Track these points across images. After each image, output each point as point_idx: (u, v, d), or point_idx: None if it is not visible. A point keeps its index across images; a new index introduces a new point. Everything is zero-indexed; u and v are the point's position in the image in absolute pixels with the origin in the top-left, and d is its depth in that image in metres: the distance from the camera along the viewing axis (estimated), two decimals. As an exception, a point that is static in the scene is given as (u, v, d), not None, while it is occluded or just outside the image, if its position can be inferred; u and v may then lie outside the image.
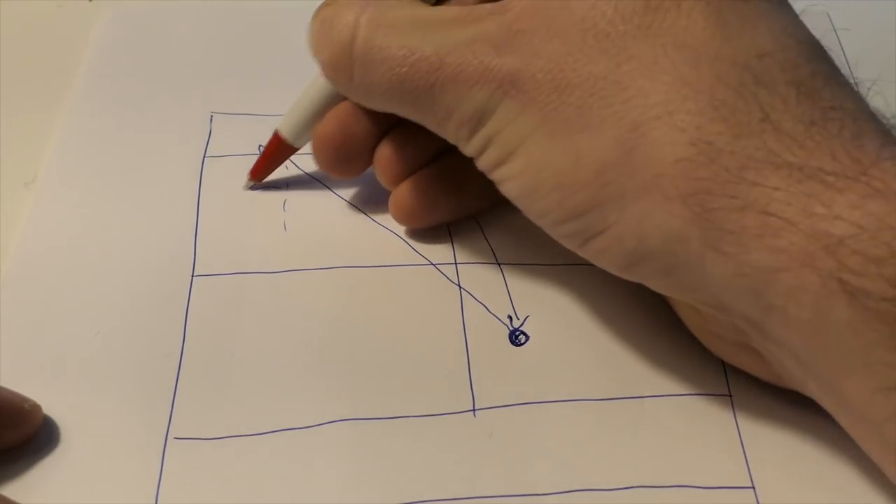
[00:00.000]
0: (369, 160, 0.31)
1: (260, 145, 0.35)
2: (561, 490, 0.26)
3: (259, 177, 0.34)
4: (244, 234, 0.32)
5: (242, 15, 0.41)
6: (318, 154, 0.31)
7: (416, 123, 0.28)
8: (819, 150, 0.22)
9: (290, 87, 0.37)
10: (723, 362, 0.29)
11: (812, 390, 0.25)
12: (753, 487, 0.26)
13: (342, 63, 0.27)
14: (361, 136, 0.31)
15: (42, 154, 0.35)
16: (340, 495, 0.26)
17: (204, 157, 0.35)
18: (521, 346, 0.30)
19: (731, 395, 0.28)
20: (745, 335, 0.25)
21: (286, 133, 0.32)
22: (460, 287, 0.31)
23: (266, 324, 0.30)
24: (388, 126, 0.31)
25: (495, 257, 0.32)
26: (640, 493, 0.26)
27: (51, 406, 0.27)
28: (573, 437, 0.27)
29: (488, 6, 0.26)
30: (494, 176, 0.27)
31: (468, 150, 0.27)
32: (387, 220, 0.33)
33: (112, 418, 0.27)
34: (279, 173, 0.34)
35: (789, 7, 0.25)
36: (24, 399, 0.27)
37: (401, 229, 0.33)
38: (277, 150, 0.33)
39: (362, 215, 0.33)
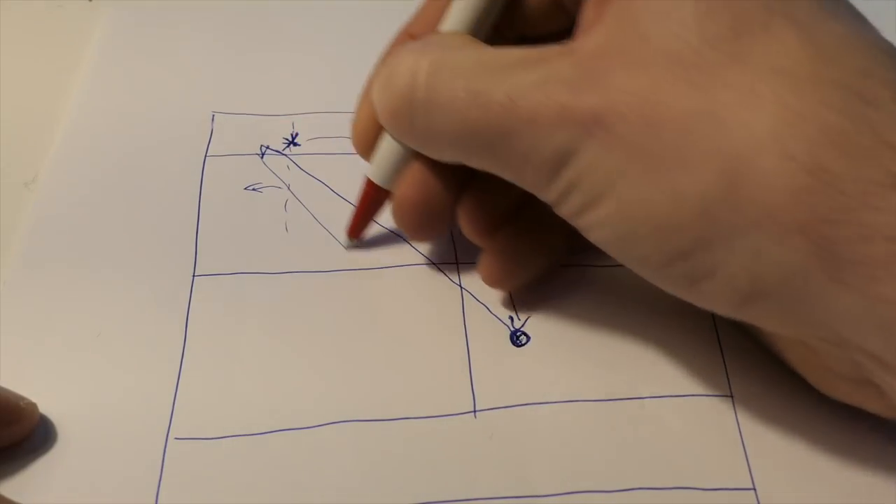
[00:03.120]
0: (453, 218, 0.30)
1: (262, 145, 0.35)
2: (561, 491, 0.26)
3: (358, 232, 0.32)
4: (245, 234, 0.32)
5: (244, 14, 0.41)
6: (400, 219, 0.29)
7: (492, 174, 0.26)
8: None
9: (292, 86, 0.38)
10: (724, 362, 0.29)
11: None
12: (755, 489, 0.26)
13: (402, 109, 0.26)
14: (442, 195, 0.29)
15: (42, 154, 0.35)
16: (340, 496, 0.26)
17: (205, 156, 0.35)
18: (523, 347, 0.30)
19: (732, 396, 0.28)
20: (864, 369, 0.24)
21: (377, 178, 0.30)
22: (461, 287, 0.31)
23: (267, 324, 0.30)
24: (467, 180, 0.29)
25: (496, 258, 0.32)
26: (641, 495, 0.26)
27: (51, 406, 0.27)
28: (574, 438, 0.27)
29: (553, 47, 0.25)
30: (581, 222, 0.25)
31: (549, 196, 0.25)
32: (388, 220, 0.33)
33: (112, 418, 0.27)
34: (281, 174, 0.34)
35: (866, 19, 0.24)
36: (20, 397, 0.27)
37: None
38: (372, 199, 0.31)
39: (364, 215, 0.33)
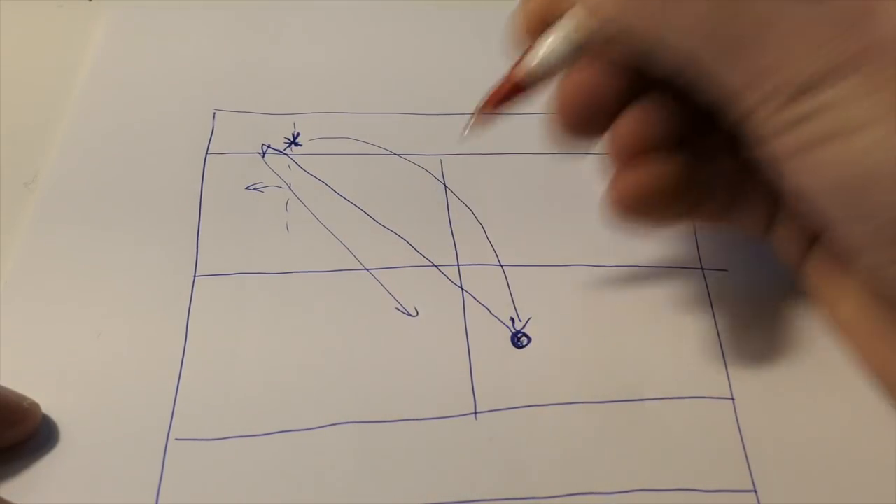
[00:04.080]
0: (607, 127, 0.27)
1: (263, 144, 0.35)
2: (561, 493, 0.26)
3: (491, 107, 0.28)
4: (246, 234, 0.32)
5: (246, 13, 0.41)
6: (561, 109, 0.26)
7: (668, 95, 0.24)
8: None
9: (293, 85, 0.38)
10: (725, 364, 0.29)
11: None
12: (755, 491, 0.26)
13: None
14: (617, 86, 0.26)
15: (42, 154, 0.35)
16: (341, 497, 0.26)
17: (206, 154, 0.35)
18: (523, 349, 0.30)
19: (733, 399, 0.28)
20: None
21: (542, 62, 0.26)
22: (462, 289, 0.31)
23: (268, 325, 0.30)
24: (638, 89, 0.26)
25: (498, 259, 0.32)
26: (642, 497, 0.26)
27: (51, 406, 0.27)
28: (574, 440, 0.27)
29: None
30: (805, 159, 0.22)
31: (777, 119, 0.22)
32: (389, 220, 0.33)
33: (113, 418, 0.27)
34: (283, 173, 0.34)
35: None
36: (23, 397, 0.27)
37: (403, 231, 0.33)
38: (523, 82, 0.27)
39: (365, 216, 0.33)
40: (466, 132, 0.28)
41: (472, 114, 0.28)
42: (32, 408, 0.27)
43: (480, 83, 0.38)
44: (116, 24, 0.40)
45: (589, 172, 0.35)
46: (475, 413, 0.28)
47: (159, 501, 0.25)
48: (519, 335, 0.30)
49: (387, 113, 0.37)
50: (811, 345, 0.29)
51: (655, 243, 0.32)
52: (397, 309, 0.30)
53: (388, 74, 0.38)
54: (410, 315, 0.30)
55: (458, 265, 0.32)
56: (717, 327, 0.30)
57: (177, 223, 0.32)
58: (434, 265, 0.32)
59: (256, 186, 0.34)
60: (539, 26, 0.27)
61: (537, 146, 0.36)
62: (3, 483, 0.26)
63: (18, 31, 0.40)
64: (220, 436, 0.27)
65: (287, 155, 0.35)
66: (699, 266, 0.32)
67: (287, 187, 0.34)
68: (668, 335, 0.30)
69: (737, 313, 0.30)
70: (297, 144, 0.35)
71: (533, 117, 0.37)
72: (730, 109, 0.24)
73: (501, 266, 0.32)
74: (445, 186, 0.34)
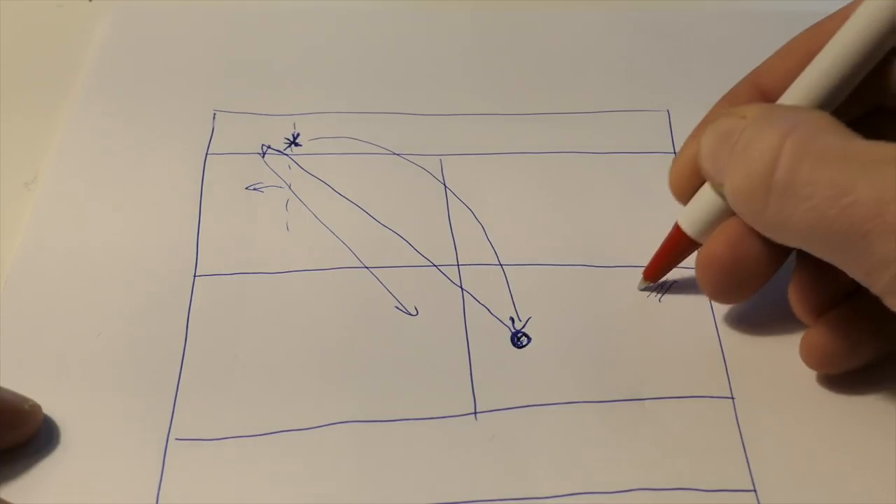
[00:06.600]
0: (757, 286, 0.28)
1: (263, 144, 0.36)
2: (562, 493, 0.26)
3: (656, 276, 0.31)
4: (246, 233, 0.32)
5: (246, 13, 0.41)
6: (702, 275, 0.28)
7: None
8: None
9: (293, 86, 0.38)
10: (725, 363, 0.29)
11: None
12: (755, 490, 0.26)
13: (756, 192, 0.24)
14: (753, 261, 0.27)
15: (42, 154, 0.35)
16: (341, 497, 0.26)
17: (206, 154, 0.35)
18: (523, 349, 0.30)
19: (733, 398, 0.28)
20: None
21: (688, 227, 0.29)
22: (462, 289, 0.31)
23: (268, 325, 0.30)
24: (783, 251, 0.27)
25: (498, 259, 0.32)
26: (641, 496, 0.26)
27: (51, 406, 0.27)
28: (574, 439, 0.27)
29: None
30: None
31: None
32: (389, 220, 0.33)
33: (113, 419, 0.27)
34: (283, 173, 0.34)
35: None
36: (25, 399, 0.27)
37: (403, 230, 0.33)
38: (678, 246, 0.30)
39: (365, 216, 0.33)
40: (641, 289, 0.31)
41: (644, 277, 0.31)
42: (34, 410, 0.27)
43: (480, 83, 0.38)
44: (116, 23, 0.40)
45: (588, 172, 0.35)
46: (475, 413, 0.28)
47: (159, 501, 0.25)
48: (519, 335, 0.30)
49: (387, 113, 0.37)
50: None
51: (655, 244, 0.32)
52: (397, 308, 0.30)
53: (388, 74, 0.38)
54: (410, 314, 0.30)
55: (458, 265, 0.32)
56: (717, 327, 0.30)
57: (177, 223, 0.32)
58: (434, 265, 0.32)
59: (256, 186, 0.34)
60: (687, 188, 0.29)
61: (537, 146, 0.36)
62: (5, 484, 0.26)
63: (18, 31, 0.40)
64: (220, 436, 0.27)
65: (287, 155, 0.35)
66: (699, 266, 0.32)
67: (287, 187, 0.34)
68: (668, 335, 0.30)
69: (737, 313, 0.30)
70: (297, 144, 0.35)
71: (532, 117, 0.37)
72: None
73: (501, 266, 0.32)
74: (445, 186, 0.34)
